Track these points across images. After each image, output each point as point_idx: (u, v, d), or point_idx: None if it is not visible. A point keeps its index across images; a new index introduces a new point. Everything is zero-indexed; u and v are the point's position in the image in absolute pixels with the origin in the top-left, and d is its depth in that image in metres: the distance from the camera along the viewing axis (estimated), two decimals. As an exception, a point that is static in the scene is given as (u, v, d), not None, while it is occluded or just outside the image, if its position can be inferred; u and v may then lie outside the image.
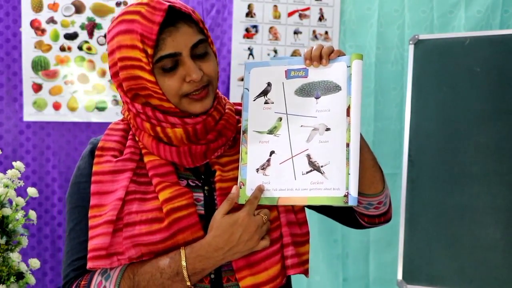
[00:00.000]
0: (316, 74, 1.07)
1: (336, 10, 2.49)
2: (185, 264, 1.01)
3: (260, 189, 1.05)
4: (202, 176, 1.11)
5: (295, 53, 2.48)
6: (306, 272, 1.11)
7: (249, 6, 2.48)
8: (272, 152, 1.07)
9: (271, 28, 2.49)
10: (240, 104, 1.19)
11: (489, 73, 2.00)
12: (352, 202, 1.01)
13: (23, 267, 1.56)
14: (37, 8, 2.38)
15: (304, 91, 1.07)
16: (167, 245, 1.03)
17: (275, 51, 2.49)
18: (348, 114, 1.03)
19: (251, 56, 2.48)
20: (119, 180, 1.07)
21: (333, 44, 2.44)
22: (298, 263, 1.09)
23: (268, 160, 1.07)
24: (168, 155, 1.08)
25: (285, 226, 1.09)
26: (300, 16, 2.50)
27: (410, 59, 2.11)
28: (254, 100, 1.10)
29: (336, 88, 1.05)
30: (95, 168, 1.09)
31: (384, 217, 1.21)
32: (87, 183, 1.09)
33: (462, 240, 1.98)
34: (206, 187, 1.10)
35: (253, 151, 1.08)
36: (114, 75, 1.08)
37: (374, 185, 1.13)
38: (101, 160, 1.10)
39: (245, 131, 1.09)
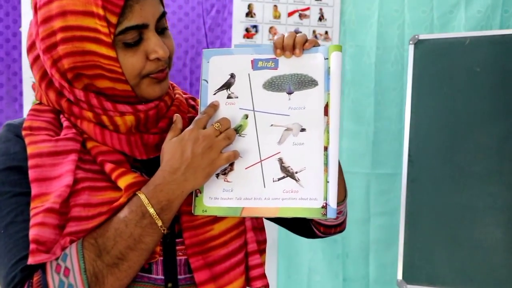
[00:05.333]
0: (288, 65, 0.93)
1: (336, 10, 2.49)
2: (147, 200, 0.84)
3: (213, 106, 0.92)
4: (154, 171, 0.93)
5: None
6: (267, 286, 0.98)
7: (249, 6, 2.47)
8: None
9: (271, 28, 2.49)
10: (186, 93, 1.07)
11: (489, 73, 2.00)
12: (331, 215, 0.88)
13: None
14: (37, 8, 2.38)
15: (274, 85, 0.93)
16: None
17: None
18: (326, 113, 0.91)
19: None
20: (63, 163, 0.86)
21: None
22: (263, 274, 0.97)
23: (231, 164, 0.92)
24: (117, 144, 0.91)
25: (250, 231, 0.97)
26: (300, 16, 2.49)
27: (410, 59, 2.11)
28: (215, 94, 0.95)
29: (311, 82, 0.92)
30: (30, 150, 0.86)
31: (340, 228, 1.12)
32: (21, 168, 0.86)
33: (462, 240, 1.98)
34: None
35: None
36: (48, 49, 0.86)
37: (338, 194, 0.98)
38: (36, 139, 0.87)
39: None
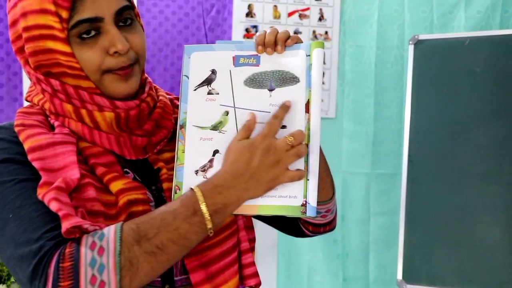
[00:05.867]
0: (270, 62, 0.92)
1: (336, 10, 2.49)
2: (202, 198, 0.81)
3: (285, 107, 0.88)
4: (145, 173, 0.94)
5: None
6: (260, 284, 0.97)
7: (249, 6, 2.48)
8: (216, 152, 0.91)
9: (271, 28, 2.49)
10: (170, 94, 1.05)
11: (489, 73, 2.01)
12: (310, 213, 0.87)
13: (23, 267, 1.56)
14: (37, 8, 2.38)
15: (255, 82, 0.92)
16: None
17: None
18: (307, 110, 0.90)
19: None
20: (64, 153, 0.84)
21: (333, 44, 2.45)
22: (255, 272, 0.96)
23: (211, 161, 0.90)
24: (106, 143, 0.89)
25: (242, 230, 0.96)
26: (300, 16, 2.50)
27: (410, 59, 2.11)
28: (195, 90, 0.93)
29: (293, 79, 0.91)
30: (28, 144, 0.84)
31: (329, 226, 1.10)
32: (18, 159, 0.84)
33: (462, 240, 1.98)
34: (153, 187, 0.93)
35: (192, 150, 0.91)
36: (19, 51, 0.88)
37: (324, 192, 1.01)
38: (32, 132, 0.86)
39: (182, 126, 0.93)
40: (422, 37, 2.11)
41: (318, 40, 0.93)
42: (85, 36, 0.85)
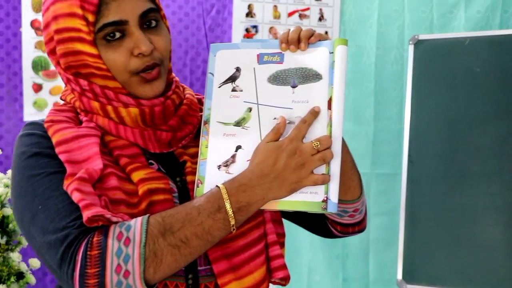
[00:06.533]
0: (293, 60, 0.93)
1: (336, 10, 2.49)
2: (227, 196, 0.84)
3: (314, 112, 0.90)
4: (171, 166, 0.96)
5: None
6: (289, 278, 0.98)
7: (249, 6, 2.48)
8: (238, 147, 0.92)
9: (271, 28, 2.49)
10: (198, 94, 1.08)
11: (489, 73, 2.01)
12: (331, 209, 0.87)
13: (23, 267, 1.56)
14: (38, 8, 2.38)
15: (279, 79, 0.94)
16: None
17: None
18: (329, 107, 0.91)
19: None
20: (87, 145, 0.89)
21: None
22: (284, 265, 0.97)
23: (233, 156, 0.92)
24: (131, 136, 0.93)
25: (269, 222, 0.97)
26: (300, 16, 2.50)
27: (410, 59, 2.11)
28: (220, 87, 0.96)
29: (316, 76, 0.92)
30: (56, 138, 0.89)
31: (359, 227, 1.10)
32: (48, 153, 0.89)
33: (462, 240, 1.99)
34: (177, 178, 0.96)
35: (215, 145, 0.93)
36: (51, 53, 0.93)
37: (351, 191, 1.01)
38: (59, 127, 0.91)
39: (206, 121, 0.95)
40: (422, 37, 2.11)
41: (341, 38, 0.93)
42: (110, 38, 0.89)
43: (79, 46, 0.89)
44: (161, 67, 0.94)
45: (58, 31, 0.90)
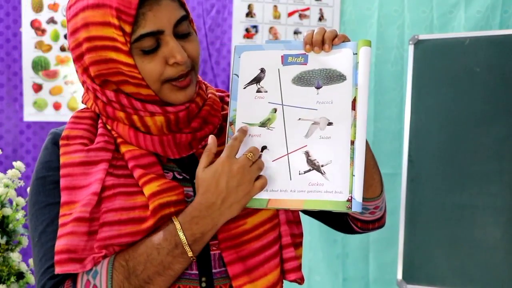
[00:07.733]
0: (317, 61, 0.95)
1: (336, 10, 2.49)
2: (182, 233, 0.87)
3: (242, 131, 0.92)
4: (189, 168, 0.97)
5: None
6: (303, 279, 0.99)
7: (249, 6, 2.48)
8: (264, 148, 0.94)
9: (271, 28, 2.50)
10: (222, 91, 1.09)
11: (489, 73, 2.01)
12: (356, 208, 0.88)
13: (23, 267, 1.56)
14: (38, 8, 2.38)
15: (303, 80, 0.95)
16: None
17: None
18: (353, 107, 0.92)
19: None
20: (93, 173, 0.91)
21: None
22: (297, 266, 0.97)
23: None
24: (150, 145, 0.94)
25: (284, 224, 0.97)
26: (300, 16, 2.50)
27: (410, 59, 2.11)
28: (245, 88, 0.97)
29: (340, 77, 0.94)
30: (63, 160, 0.92)
31: (379, 223, 1.11)
32: (55, 177, 0.92)
33: (462, 240, 1.99)
34: (195, 181, 0.95)
35: (241, 146, 0.94)
36: (78, 59, 0.93)
37: (373, 188, 1.02)
38: (69, 149, 0.93)
39: (232, 123, 0.96)
40: (422, 37, 2.11)
41: (365, 39, 0.95)
42: (146, 48, 0.89)
43: (113, 55, 0.89)
44: (193, 71, 0.95)
45: (89, 39, 0.89)
